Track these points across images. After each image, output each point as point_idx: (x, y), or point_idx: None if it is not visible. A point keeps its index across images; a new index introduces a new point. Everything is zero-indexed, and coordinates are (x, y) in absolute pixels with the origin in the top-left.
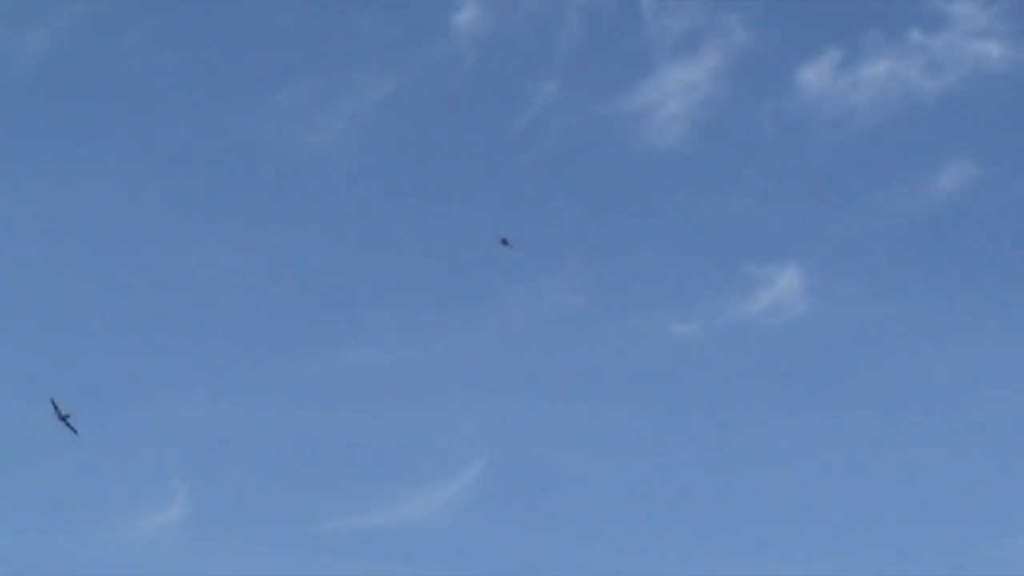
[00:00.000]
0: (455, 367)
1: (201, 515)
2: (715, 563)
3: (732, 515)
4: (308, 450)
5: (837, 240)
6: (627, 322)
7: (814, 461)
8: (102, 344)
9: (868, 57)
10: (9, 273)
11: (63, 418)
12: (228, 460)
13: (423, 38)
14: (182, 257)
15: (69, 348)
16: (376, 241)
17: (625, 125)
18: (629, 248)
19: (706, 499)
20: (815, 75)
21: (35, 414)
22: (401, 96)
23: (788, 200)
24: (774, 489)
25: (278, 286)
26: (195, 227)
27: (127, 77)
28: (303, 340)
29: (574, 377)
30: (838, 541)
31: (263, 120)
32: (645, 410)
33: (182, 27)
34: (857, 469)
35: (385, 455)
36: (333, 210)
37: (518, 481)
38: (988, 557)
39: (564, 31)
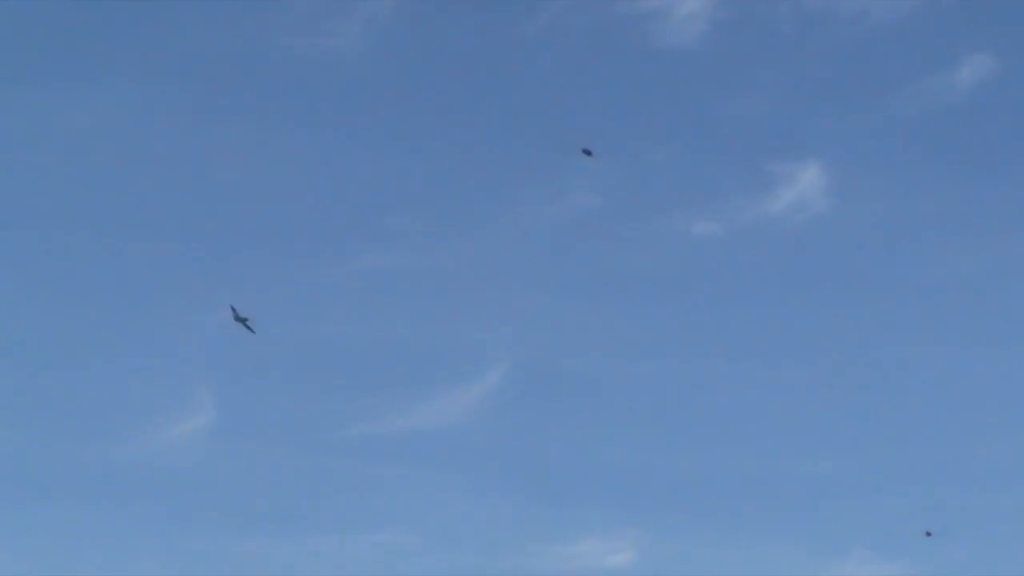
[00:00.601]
0: (477, 270)
1: (227, 422)
2: (736, 461)
3: (753, 414)
4: (332, 356)
5: (857, 137)
6: (647, 223)
7: (836, 358)
8: (123, 254)
9: None
10: (23, 182)
11: (241, 320)
12: (253, 368)
13: None
14: (200, 165)
15: (89, 258)
16: (396, 145)
17: (643, 24)
18: (649, 148)
19: (727, 398)
20: None
21: (64, 323)
22: None
23: (807, 98)
24: (796, 388)
25: (298, 192)
26: (213, 134)
27: None
28: (325, 246)
29: (595, 278)
30: (858, 437)
31: (278, 24)
32: (667, 310)
33: None
34: (878, 366)
35: (408, 359)
36: (350, 114)
37: (541, 383)
38: (1000, 453)
39: None
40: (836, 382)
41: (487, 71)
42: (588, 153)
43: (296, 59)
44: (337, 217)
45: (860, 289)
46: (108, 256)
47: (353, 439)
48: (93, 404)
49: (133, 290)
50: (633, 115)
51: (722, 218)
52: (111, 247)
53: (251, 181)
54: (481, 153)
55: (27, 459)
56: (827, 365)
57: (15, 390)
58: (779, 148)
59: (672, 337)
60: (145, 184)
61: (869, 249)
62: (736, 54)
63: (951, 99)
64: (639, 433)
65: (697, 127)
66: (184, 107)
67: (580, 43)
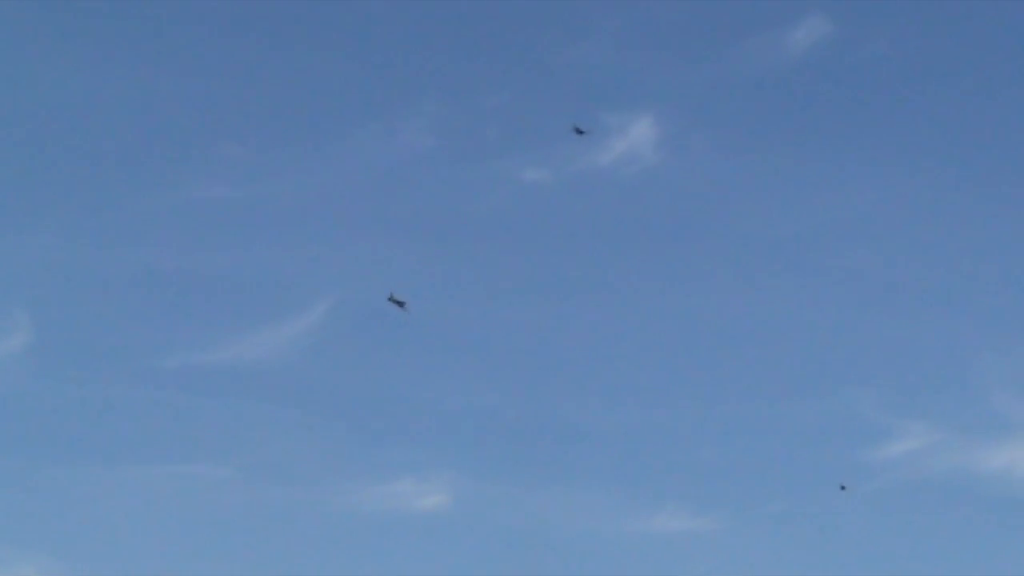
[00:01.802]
0: (306, 204)
1: (44, 346)
2: (558, 408)
3: (576, 360)
4: (154, 284)
5: (692, 91)
6: (479, 166)
7: (661, 309)
8: None
9: None
10: None
11: (397, 302)
12: (73, 292)
13: None
14: (27, 89)
15: None
16: (228, 74)
17: None
18: (484, 92)
19: (553, 343)
20: None
21: None
22: None
23: (645, 49)
24: (621, 335)
25: (126, 118)
26: (40, 54)
27: None
28: (152, 174)
29: (425, 219)
30: (678, 390)
31: None
32: (495, 254)
33: None
34: (702, 319)
35: (233, 291)
36: (183, 41)
37: (366, 321)
38: (824, 406)
39: None
40: (660, 332)
41: (326, 5)
42: (579, 132)
43: None
44: (165, 145)
45: (687, 243)
46: None
47: (173, 369)
48: None
49: None
50: (468, 58)
51: (553, 165)
52: None
53: (76, 105)
54: (316, 86)
55: None
56: (650, 315)
57: None
58: (613, 99)
59: (499, 281)
60: None
61: (697, 205)
62: (576, 1)
63: (786, 59)
64: (462, 376)
65: (533, 73)
66: (22, 31)
67: None
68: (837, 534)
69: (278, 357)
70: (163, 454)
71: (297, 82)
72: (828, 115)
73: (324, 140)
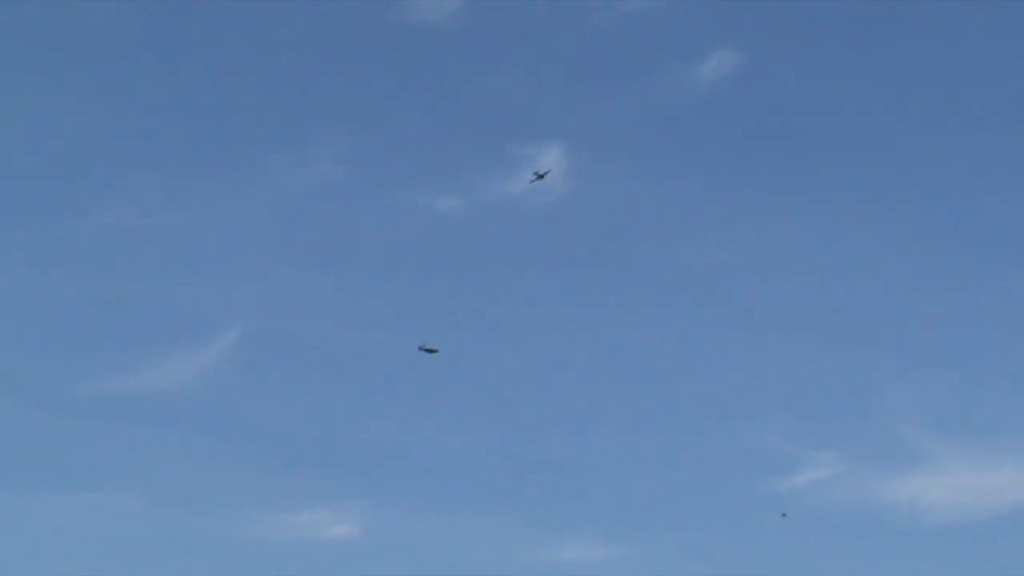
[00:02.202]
0: (216, 233)
1: None
2: (469, 438)
3: (489, 392)
4: (64, 312)
5: (602, 122)
6: (390, 196)
7: (571, 338)
8: None
9: None
10: None
11: (428, 350)
12: None
13: None
14: None
15: None
16: (139, 102)
17: None
18: (395, 122)
19: (465, 373)
20: None
21: None
22: None
23: (555, 80)
24: (532, 365)
25: (36, 145)
26: None
27: None
28: (63, 201)
29: (335, 249)
30: (595, 419)
31: None
32: (406, 284)
33: None
34: (611, 349)
35: (143, 319)
36: (94, 69)
37: (274, 350)
38: (732, 436)
39: None
40: (570, 362)
41: (239, 35)
42: (540, 176)
43: (39, 19)
44: (77, 173)
45: (595, 273)
46: None
47: (83, 396)
48: None
49: None
50: (381, 87)
51: (464, 195)
52: None
53: None
54: (227, 115)
55: None
56: (560, 344)
57: None
58: (523, 129)
59: (410, 310)
60: None
61: (605, 234)
62: (487, 33)
63: (695, 91)
64: (373, 406)
65: (445, 104)
66: None
67: (333, 13)
68: (745, 563)
69: (188, 385)
70: (71, 482)
71: (208, 111)
72: (737, 147)
73: (235, 169)
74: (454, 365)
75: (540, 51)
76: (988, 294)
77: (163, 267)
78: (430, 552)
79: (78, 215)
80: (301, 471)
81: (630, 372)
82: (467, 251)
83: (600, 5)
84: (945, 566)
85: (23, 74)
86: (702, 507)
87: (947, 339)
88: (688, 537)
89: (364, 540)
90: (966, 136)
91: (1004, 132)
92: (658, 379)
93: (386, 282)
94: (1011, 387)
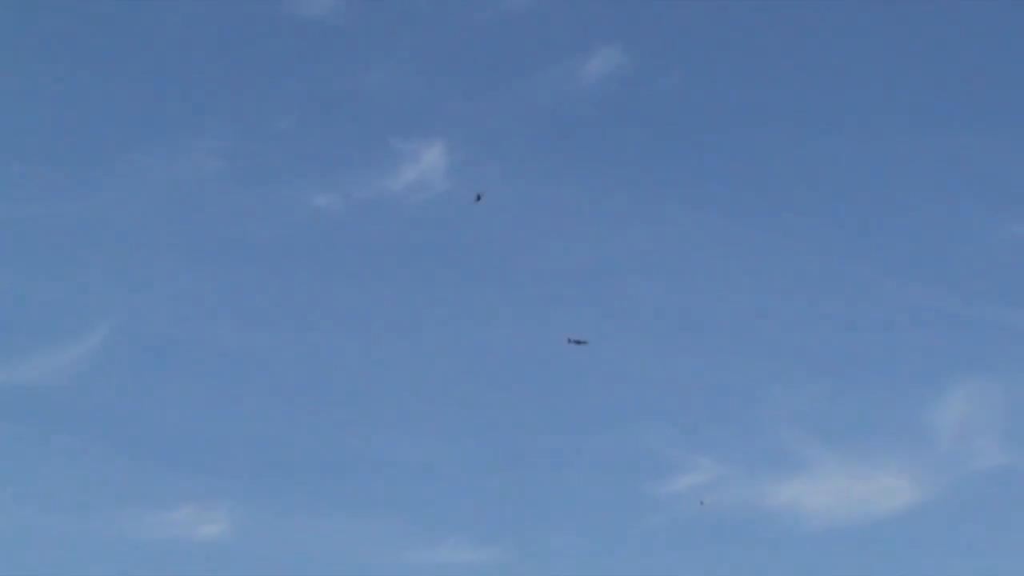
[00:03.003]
0: (87, 225)
1: None
2: (341, 436)
3: (362, 389)
4: None
5: (484, 120)
6: (267, 191)
7: (450, 339)
8: None
9: None
10: None
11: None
12: None
13: None
14: None
15: None
16: (7, 91)
17: None
18: (273, 115)
19: (339, 372)
20: None
21: None
22: None
23: (437, 76)
24: (408, 365)
25: None
26: None
27: None
28: None
29: (211, 244)
30: (470, 420)
31: None
32: (283, 281)
33: None
34: (490, 350)
35: (8, 312)
36: None
37: (146, 346)
38: (611, 439)
39: None
40: (448, 363)
41: (113, 25)
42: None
43: None
44: None
45: (476, 272)
46: None
47: None
48: None
49: None
50: (260, 80)
51: (342, 191)
52: None
53: None
54: (99, 105)
55: None
56: (439, 345)
57: None
58: (404, 125)
59: (286, 308)
60: None
61: (486, 233)
62: (369, 27)
63: (579, 90)
64: (245, 403)
65: (325, 98)
66: None
67: (210, 4)
68: (622, 567)
69: (54, 381)
70: None
71: (80, 101)
72: (621, 147)
73: (107, 160)
74: (328, 362)
75: (423, 47)
76: (868, 299)
77: (32, 259)
78: (301, 552)
79: None
80: (169, 469)
81: (506, 374)
82: (344, 248)
83: (484, 2)
84: (824, 572)
85: None
86: (578, 510)
87: (826, 344)
88: (563, 540)
89: (234, 539)
90: (848, 140)
91: (884, 135)
92: (536, 381)
93: (260, 278)
94: (888, 394)
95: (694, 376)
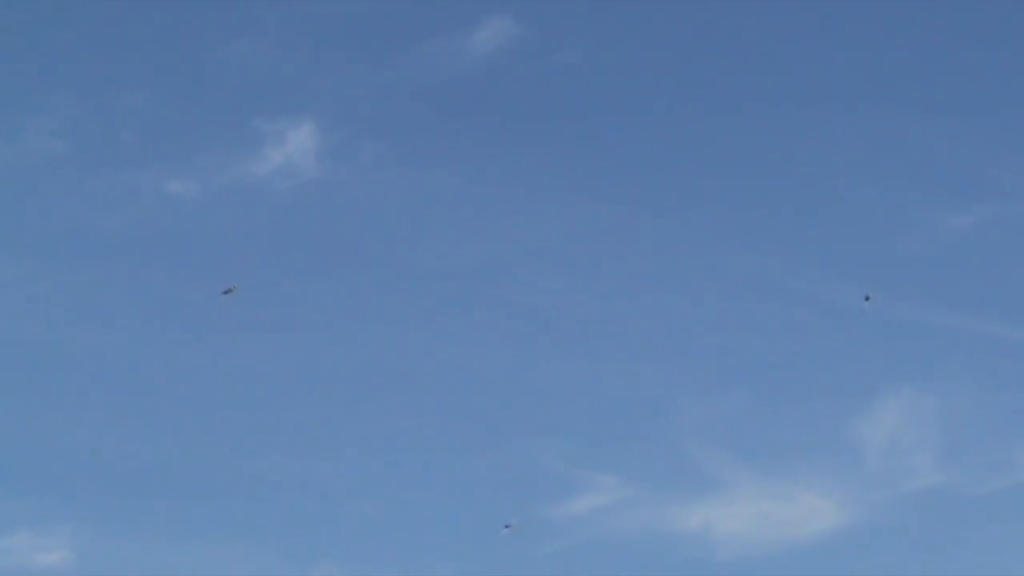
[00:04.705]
0: None
1: None
2: (198, 452)
3: (222, 399)
4: None
5: (361, 97)
6: (116, 175)
7: (320, 344)
8: None
9: None
10: None
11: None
12: None
13: None
14: None
15: None
16: None
17: None
18: (123, 91)
19: (198, 380)
20: None
21: None
22: None
23: (308, 49)
24: (275, 374)
25: None
26: None
27: None
28: None
29: (50, 234)
30: (345, 435)
31: None
32: (132, 276)
33: None
34: (366, 356)
35: None
36: None
37: None
38: (502, 456)
39: None
40: (318, 371)
41: None
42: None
43: None
44: None
45: (350, 268)
46: None
47: None
48: None
49: None
50: (108, 53)
51: (200, 177)
52: None
53: None
54: None
55: None
56: (308, 352)
57: None
58: (270, 103)
59: (137, 307)
60: None
61: (362, 224)
62: None
63: (467, 64)
64: (88, 416)
65: (179, 72)
66: None
67: None
68: None
69: None
70: None
71: None
72: (514, 128)
73: None
74: (185, 367)
75: (292, 17)
76: (788, 300)
77: None
78: None
79: None
80: (2, 488)
81: (380, 384)
82: (202, 240)
83: None
84: None
85: None
86: (466, 534)
87: (743, 350)
88: (447, 569)
89: (77, 568)
90: (768, 121)
91: (808, 117)
92: (414, 391)
93: (107, 273)
94: (811, 406)
95: (595, 385)
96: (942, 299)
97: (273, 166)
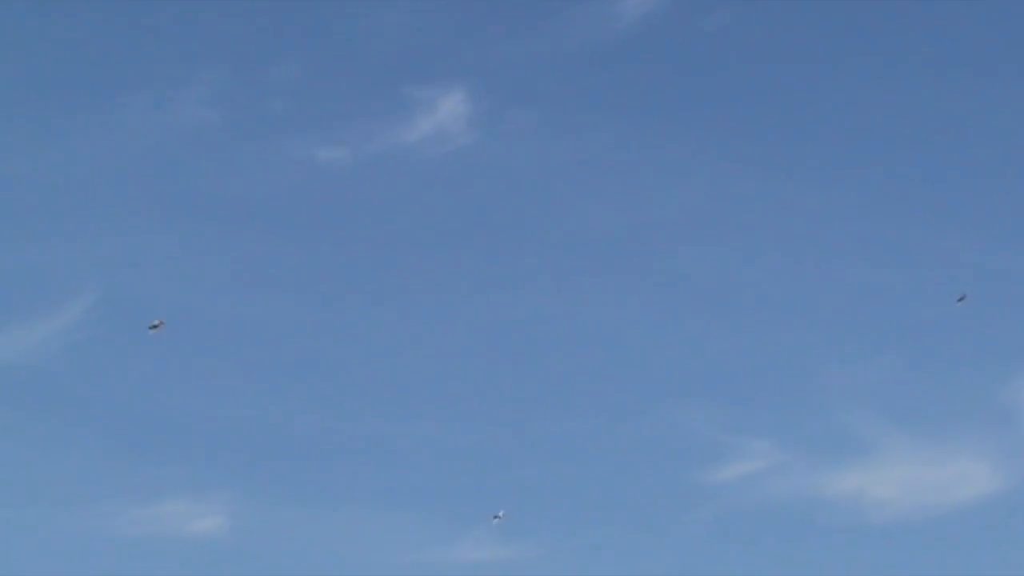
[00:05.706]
0: (65, 185)
1: None
2: (350, 419)
3: (375, 368)
4: None
5: (510, 64)
6: (267, 144)
7: (472, 311)
8: None
9: None
10: None
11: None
12: None
13: None
14: None
15: None
16: None
17: None
18: (272, 60)
19: (349, 348)
20: None
21: None
22: None
23: (459, 15)
24: (426, 340)
25: None
26: None
27: None
28: None
29: (203, 204)
30: (496, 402)
31: None
32: (285, 245)
33: None
34: (518, 323)
35: None
36: None
37: (133, 320)
38: (653, 422)
39: None
40: (470, 337)
41: None
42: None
43: None
44: None
45: (500, 235)
46: None
47: None
48: None
49: None
50: (257, 22)
51: (351, 144)
52: None
53: None
54: (79, 50)
55: None
56: (460, 317)
57: None
58: (420, 70)
59: (290, 276)
60: None
61: (512, 191)
62: None
63: (615, 32)
64: (244, 385)
65: (329, 41)
66: None
67: None
68: (666, 565)
69: (30, 360)
70: None
71: (52, 42)
72: (663, 94)
73: (85, 112)
74: (339, 337)
75: None
76: (942, 264)
77: (5, 221)
78: (305, 548)
79: None
80: (159, 457)
81: (535, 350)
82: (353, 207)
83: None
84: (892, 567)
85: None
86: (617, 502)
87: (895, 314)
88: (601, 535)
89: (231, 535)
90: (925, 88)
91: (943, 85)
92: (569, 358)
93: (259, 242)
94: (965, 370)
95: (746, 352)
96: None
97: (423, 133)
